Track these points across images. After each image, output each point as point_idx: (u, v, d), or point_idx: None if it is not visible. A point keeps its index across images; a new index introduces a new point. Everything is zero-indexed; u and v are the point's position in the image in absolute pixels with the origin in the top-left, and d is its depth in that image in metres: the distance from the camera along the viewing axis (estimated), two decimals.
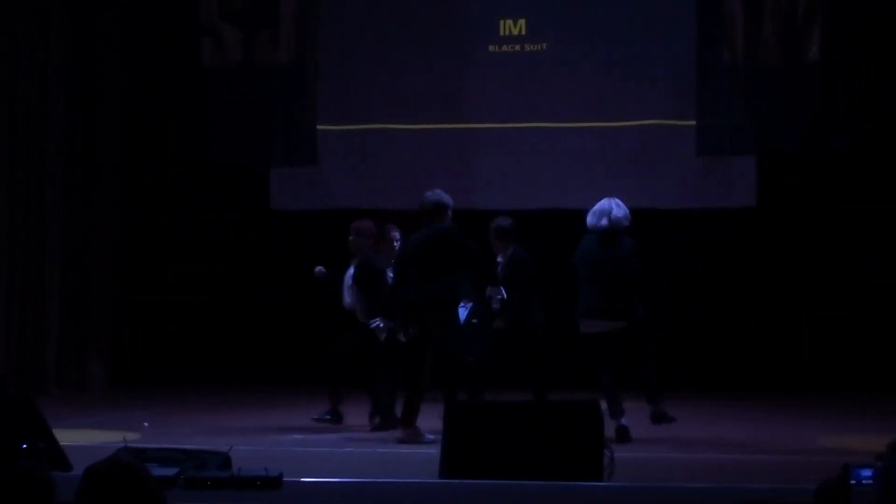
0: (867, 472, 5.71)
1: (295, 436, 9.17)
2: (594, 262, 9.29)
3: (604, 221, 9.40)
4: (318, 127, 13.23)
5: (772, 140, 12.65)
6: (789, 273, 13.00)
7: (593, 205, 12.75)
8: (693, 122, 12.72)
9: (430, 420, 8.84)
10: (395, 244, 9.84)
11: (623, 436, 8.72)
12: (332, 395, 9.87)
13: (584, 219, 13.00)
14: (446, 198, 9.46)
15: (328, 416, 9.76)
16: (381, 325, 9.18)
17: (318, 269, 10.36)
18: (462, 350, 9.79)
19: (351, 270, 10.01)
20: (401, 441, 8.77)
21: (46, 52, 12.94)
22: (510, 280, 9.59)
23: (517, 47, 13.12)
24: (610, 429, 8.10)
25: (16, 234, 12.68)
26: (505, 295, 9.31)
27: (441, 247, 9.08)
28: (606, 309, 9.17)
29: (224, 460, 6.11)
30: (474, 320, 11.29)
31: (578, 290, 9.42)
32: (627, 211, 9.52)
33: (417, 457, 7.99)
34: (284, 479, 5.64)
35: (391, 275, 9.55)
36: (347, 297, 10.01)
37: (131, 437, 8.35)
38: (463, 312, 11.84)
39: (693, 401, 11.80)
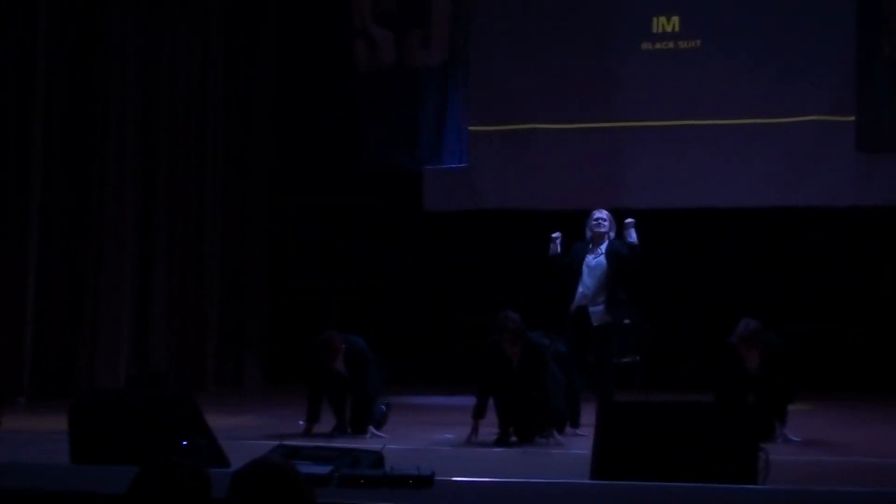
0: None
1: (447, 435, 9.21)
2: None
3: None
4: (470, 128, 13.28)
5: None
6: None
7: (750, 203, 12.68)
8: (853, 118, 12.42)
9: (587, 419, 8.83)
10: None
11: None
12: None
13: (741, 217, 12.90)
14: None
15: None
16: None
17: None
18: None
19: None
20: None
21: (204, 61, 13.27)
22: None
23: (671, 44, 12.98)
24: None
25: (176, 238, 13.02)
26: None
27: None
28: None
29: (377, 459, 6.15)
30: (627, 321, 11.21)
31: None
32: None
33: (569, 457, 7.97)
34: (436, 478, 5.66)
35: None
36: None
37: (287, 435, 8.51)
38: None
39: (847, 403, 11.55)
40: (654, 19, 13.04)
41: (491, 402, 8.93)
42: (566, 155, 13.15)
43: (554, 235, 9.93)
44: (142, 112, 12.72)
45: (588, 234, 9.92)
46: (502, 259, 13.23)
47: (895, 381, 12.42)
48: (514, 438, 8.85)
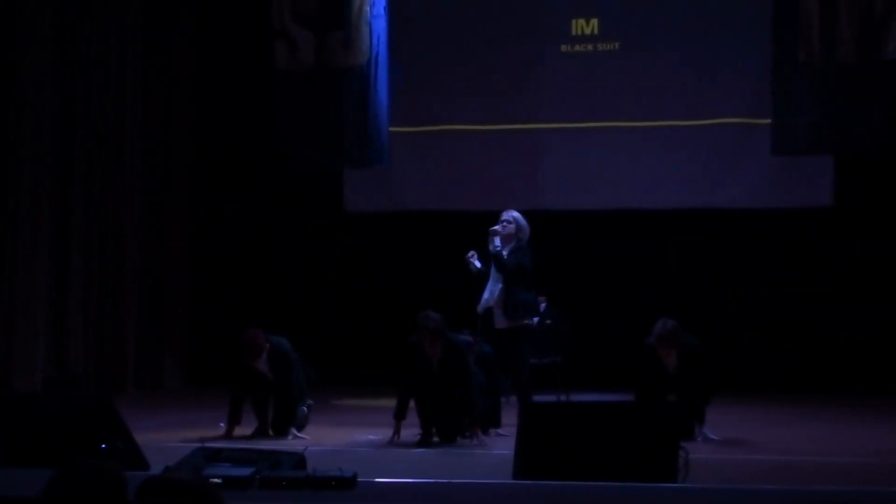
0: None
1: (369, 436, 9.19)
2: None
3: None
4: (390, 129, 13.25)
5: (848, 139, 12.44)
6: (867, 272, 12.82)
7: (668, 205, 12.81)
8: (768, 121, 12.55)
9: (509, 420, 8.85)
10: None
11: None
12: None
13: (659, 219, 13.01)
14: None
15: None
16: None
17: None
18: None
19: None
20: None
21: (123, 59, 13.12)
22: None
23: (589, 47, 13.07)
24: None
25: (94, 239, 12.86)
26: None
27: None
28: None
29: (299, 460, 6.14)
30: (548, 321, 11.26)
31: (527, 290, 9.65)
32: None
33: (491, 457, 7.98)
34: (358, 479, 5.65)
35: None
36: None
37: (207, 437, 8.44)
38: None
39: (764, 403, 11.70)
40: (573, 22, 13.12)
41: (413, 403, 8.92)
42: (486, 156, 13.19)
43: (468, 256, 9.81)
44: (58, 111, 12.54)
45: None
46: (424, 259, 13.23)
47: (812, 380, 12.62)
48: (436, 439, 8.85)
